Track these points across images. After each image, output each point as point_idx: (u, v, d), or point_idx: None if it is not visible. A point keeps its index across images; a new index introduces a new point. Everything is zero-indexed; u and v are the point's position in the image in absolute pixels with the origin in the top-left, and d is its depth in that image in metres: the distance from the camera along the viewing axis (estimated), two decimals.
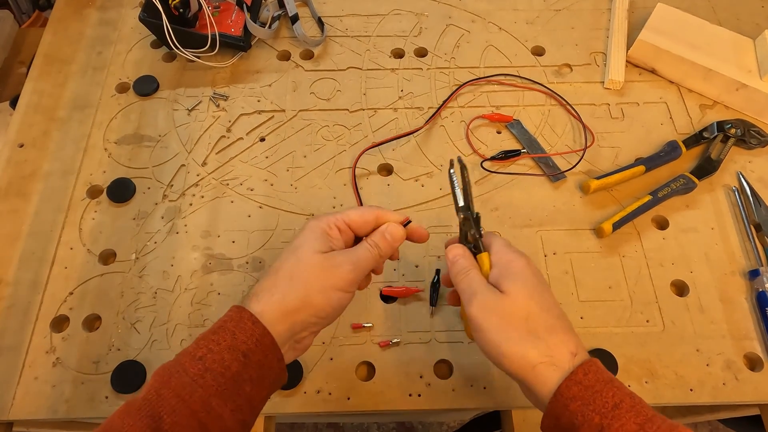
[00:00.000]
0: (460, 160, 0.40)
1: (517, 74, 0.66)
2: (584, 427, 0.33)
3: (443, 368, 0.49)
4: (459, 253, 0.41)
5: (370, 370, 0.49)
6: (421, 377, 0.48)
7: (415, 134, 0.62)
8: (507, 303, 0.37)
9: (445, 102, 0.63)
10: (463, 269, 0.40)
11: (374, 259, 0.40)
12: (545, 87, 0.64)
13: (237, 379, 0.35)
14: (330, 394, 0.48)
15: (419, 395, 0.48)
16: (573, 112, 0.62)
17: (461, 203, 0.41)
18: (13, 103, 0.66)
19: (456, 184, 0.41)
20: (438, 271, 0.53)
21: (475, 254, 0.41)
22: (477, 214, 0.41)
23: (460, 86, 0.64)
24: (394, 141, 0.61)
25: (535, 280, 0.39)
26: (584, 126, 0.61)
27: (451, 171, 0.41)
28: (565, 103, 0.63)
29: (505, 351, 0.36)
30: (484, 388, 0.48)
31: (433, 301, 0.51)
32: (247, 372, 0.35)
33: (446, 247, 0.42)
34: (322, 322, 0.39)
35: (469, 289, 0.39)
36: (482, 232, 0.41)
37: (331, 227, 0.40)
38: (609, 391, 0.34)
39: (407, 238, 0.42)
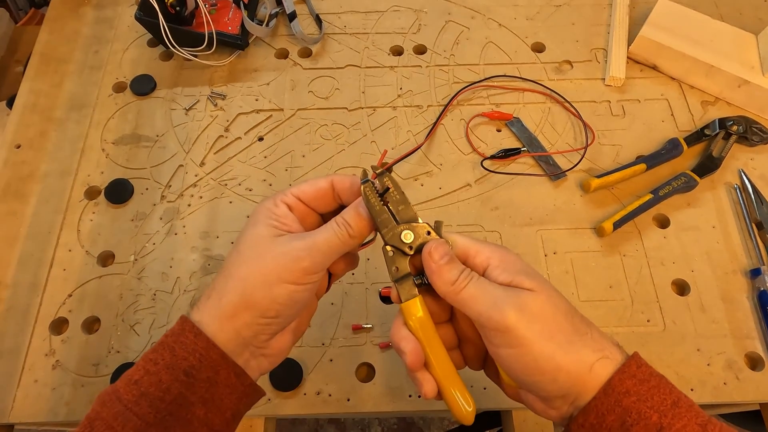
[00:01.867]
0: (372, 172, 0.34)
1: (518, 71, 0.65)
2: (638, 426, 0.28)
3: None
4: (447, 251, 0.32)
5: (369, 371, 0.49)
6: None
7: (418, 142, 0.61)
8: (543, 301, 0.30)
9: (444, 109, 0.63)
10: (461, 273, 0.31)
11: (341, 242, 0.32)
12: (544, 87, 0.64)
13: (181, 403, 0.29)
14: (330, 395, 0.48)
15: (419, 396, 0.48)
16: (573, 110, 0.62)
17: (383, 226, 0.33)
18: (10, 103, 0.66)
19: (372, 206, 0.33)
20: None
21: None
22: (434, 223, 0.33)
23: (458, 92, 0.63)
24: (393, 139, 0.61)
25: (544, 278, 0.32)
26: (585, 124, 0.61)
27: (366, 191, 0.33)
28: (564, 101, 0.63)
29: (561, 361, 0.29)
30: (485, 388, 0.48)
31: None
32: (194, 393, 0.30)
33: (423, 254, 0.32)
34: (274, 323, 0.32)
35: (487, 294, 0.30)
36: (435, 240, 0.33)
37: (276, 204, 0.33)
38: (666, 387, 0.29)
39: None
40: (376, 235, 0.35)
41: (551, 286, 0.31)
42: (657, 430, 0.28)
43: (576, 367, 0.29)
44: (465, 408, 0.31)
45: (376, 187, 0.33)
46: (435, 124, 0.61)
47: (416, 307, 0.32)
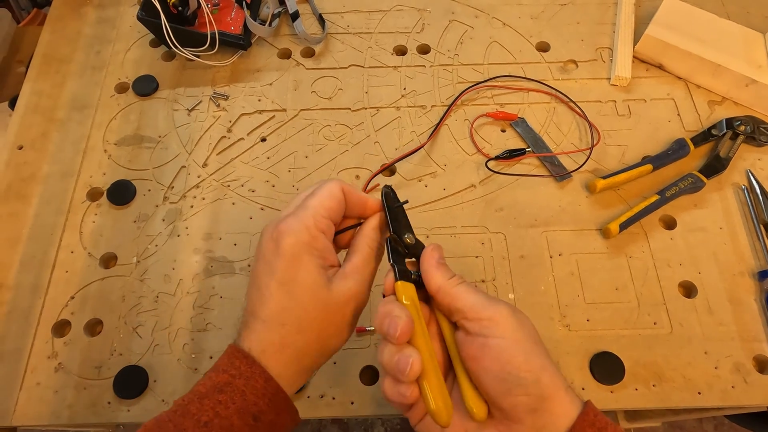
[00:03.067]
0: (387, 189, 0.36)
1: (522, 71, 0.64)
2: None
3: None
4: (441, 254, 0.35)
5: (373, 374, 0.49)
6: None
7: (423, 147, 0.61)
8: (520, 320, 0.32)
9: (448, 109, 0.62)
10: (454, 276, 0.33)
11: (377, 264, 0.35)
12: (549, 86, 0.63)
13: None
14: (333, 398, 0.47)
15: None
16: (578, 110, 0.61)
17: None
18: (12, 104, 0.66)
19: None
20: None
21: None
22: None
23: (463, 92, 0.63)
24: (397, 140, 0.60)
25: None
26: (590, 124, 0.60)
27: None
28: (569, 101, 0.62)
29: (547, 364, 0.30)
30: None
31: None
32: None
33: (422, 257, 0.35)
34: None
35: (479, 292, 0.32)
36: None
37: (315, 236, 0.32)
38: None
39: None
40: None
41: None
42: None
43: (556, 378, 0.30)
44: (436, 404, 0.30)
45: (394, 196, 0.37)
46: (439, 123, 0.61)
47: (411, 290, 0.33)
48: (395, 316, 0.30)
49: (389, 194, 0.36)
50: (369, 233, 0.35)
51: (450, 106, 0.62)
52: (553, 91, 0.63)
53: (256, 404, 0.30)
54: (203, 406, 0.30)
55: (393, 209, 0.36)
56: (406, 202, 0.36)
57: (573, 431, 0.30)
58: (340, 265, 0.34)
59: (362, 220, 0.37)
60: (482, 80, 0.63)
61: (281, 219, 0.33)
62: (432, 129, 0.61)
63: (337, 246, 0.36)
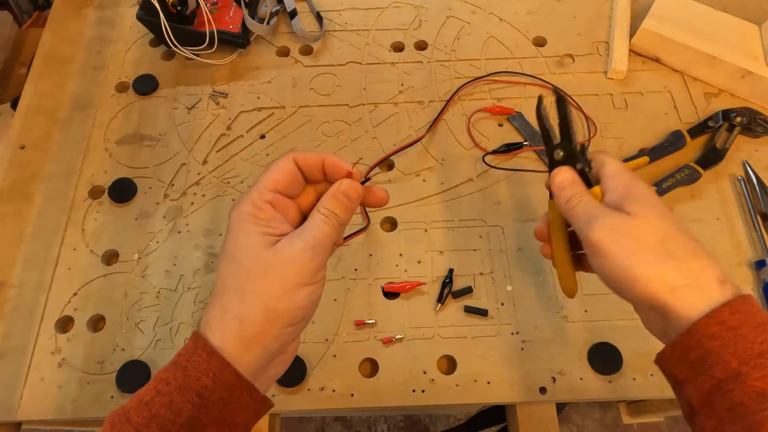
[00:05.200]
0: (557, 92, 0.38)
1: (519, 66, 0.65)
2: (716, 368, 0.29)
3: (447, 364, 0.49)
4: (567, 177, 0.37)
5: (373, 366, 0.49)
6: (424, 373, 0.48)
7: (420, 141, 0.61)
8: (637, 224, 0.33)
9: (445, 105, 0.63)
10: (575, 195, 0.36)
11: (335, 231, 0.33)
12: (544, 81, 0.64)
13: (193, 425, 0.29)
14: (334, 390, 0.48)
15: (423, 391, 0.48)
16: (574, 104, 0.62)
17: (556, 141, 0.38)
18: (14, 104, 0.66)
19: (546, 120, 0.38)
20: (451, 271, 0.52)
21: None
22: (583, 145, 0.37)
23: (459, 88, 0.63)
24: (395, 135, 0.61)
25: (663, 204, 0.34)
26: (586, 117, 0.61)
27: (541, 108, 0.39)
28: (565, 95, 0.62)
29: (638, 273, 0.31)
30: (488, 383, 0.48)
31: (441, 298, 0.51)
32: (207, 414, 0.29)
33: (551, 175, 0.38)
34: (299, 326, 0.33)
35: (586, 214, 0.34)
36: (591, 164, 0.37)
37: (259, 207, 0.32)
38: (758, 336, 0.29)
39: (362, 203, 0.36)
40: (368, 223, 0.37)
41: (660, 214, 0.33)
42: (734, 376, 0.29)
43: (655, 281, 0.31)
44: (569, 284, 0.40)
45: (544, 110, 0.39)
46: (437, 118, 0.61)
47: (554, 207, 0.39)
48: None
49: (559, 99, 0.38)
50: (323, 200, 0.34)
51: (447, 101, 0.62)
52: (549, 86, 0.63)
53: (198, 379, 0.29)
54: (148, 386, 0.30)
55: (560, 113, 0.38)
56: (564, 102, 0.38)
57: (692, 328, 0.30)
58: (288, 226, 0.34)
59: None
60: (479, 76, 0.64)
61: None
62: (429, 124, 0.61)
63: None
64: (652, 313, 0.33)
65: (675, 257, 0.32)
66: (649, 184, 0.55)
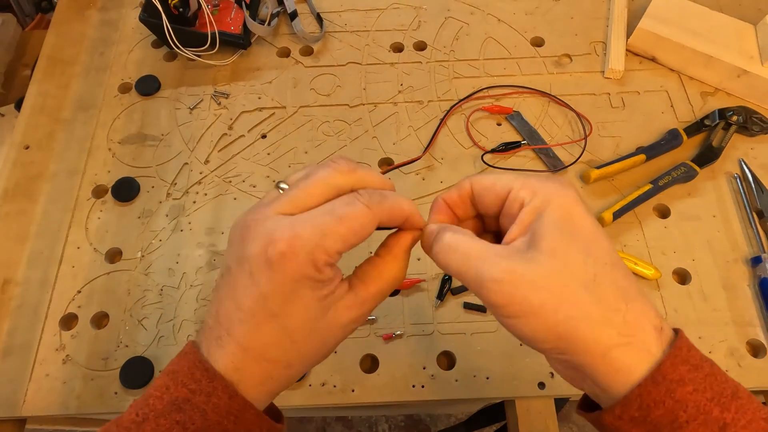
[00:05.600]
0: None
1: (517, 66, 0.65)
2: (696, 422, 0.24)
3: (446, 359, 0.50)
4: (438, 219, 0.30)
5: (374, 362, 0.50)
6: (424, 369, 0.49)
7: (416, 161, 0.62)
8: (553, 267, 0.25)
9: (441, 122, 0.63)
10: (449, 245, 0.28)
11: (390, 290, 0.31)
12: (535, 90, 0.64)
13: None
14: (335, 386, 0.48)
15: (423, 387, 0.48)
16: (563, 103, 0.62)
17: None
18: (18, 105, 0.67)
19: None
20: None
21: None
22: None
23: (452, 107, 0.64)
24: (394, 135, 0.61)
25: (588, 220, 0.26)
26: (579, 115, 0.61)
27: None
28: (557, 99, 0.63)
29: (565, 334, 0.25)
30: (487, 378, 0.49)
31: (441, 294, 0.52)
32: None
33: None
34: None
35: (474, 270, 0.26)
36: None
37: (320, 270, 0.26)
38: (720, 374, 0.25)
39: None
40: None
41: (594, 249, 0.26)
42: (720, 428, 0.23)
43: (584, 346, 0.25)
44: None
45: None
46: (434, 134, 0.62)
47: None
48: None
49: None
50: (401, 256, 0.30)
51: (443, 119, 0.63)
52: (545, 87, 0.64)
53: (219, 424, 0.26)
54: (159, 426, 0.26)
55: None
56: None
57: (657, 374, 0.24)
58: (341, 277, 0.29)
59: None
60: (473, 91, 0.64)
61: (279, 222, 0.26)
62: (428, 122, 0.62)
63: None
64: (581, 375, 0.27)
65: (606, 306, 0.25)
66: (646, 181, 0.56)
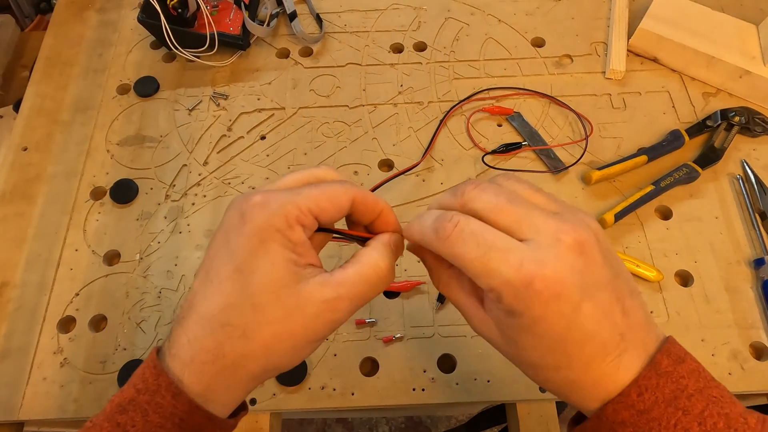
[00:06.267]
0: None
1: (518, 66, 0.65)
2: None
3: (447, 362, 0.50)
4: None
5: (373, 365, 0.49)
6: (424, 372, 0.49)
7: (414, 168, 0.61)
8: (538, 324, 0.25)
9: (440, 124, 0.63)
10: (473, 231, 0.25)
11: (381, 284, 0.28)
12: (535, 91, 0.64)
13: None
14: (334, 389, 0.48)
15: (423, 390, 0.48)
16: (562, 103, 0.62)
17: None
18: (17, 107, 0.67)
19: None
20: None
21: None
22: None
23: (451, 109, 0.63)
24: (394, 136, 0.61)
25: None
26: (579, 116, 0.61)
27: None
28: (556, 100, 0.63)
29: (591, 335, 0.25)
30: (488, 381, 0.48)
31: (441, 297, 0.51)
32: None
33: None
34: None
35: (497, 263, 0.25)
36: None
37: (291, 226, 0.25)
38: (672, 416, 0.24)
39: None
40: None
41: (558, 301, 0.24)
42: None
43: (602, 347, 0.25)
44: None
45: None
46: (434, 136, 0.61)
47: None
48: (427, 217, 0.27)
49: None
50: (380, 248, 0.28)
51: (443, 120, 0.62)
52: (546, 88, 0.63)
53: (162, 426, 0.25)
54: (102, 431, 0.25)
55: None
56: None
57: (601, 414, 0.25)
58: (321, 267, 0.28)
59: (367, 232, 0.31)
60: (471, 94, 0.64)
61: (259, 190, 0.27)
62: (428, 123, 0.61)
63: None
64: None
65: (591, 359, 0.25)
66: (647, 183, 0.55)
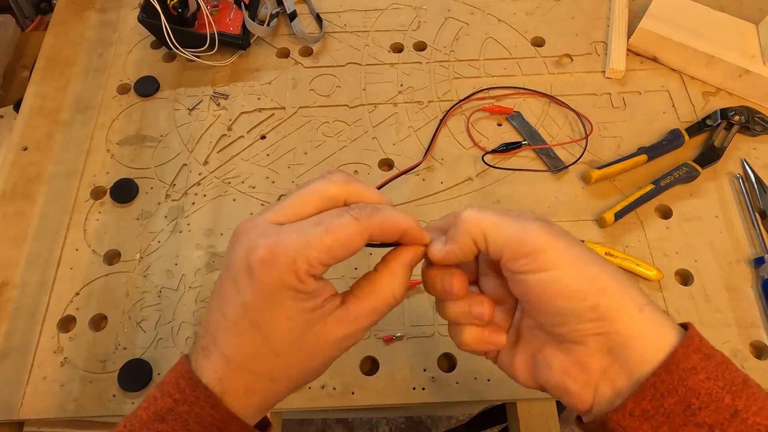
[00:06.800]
0: None
1: (518, 66, 0.65)
2: (708, 409, 0.23)
3: (447, 361, 0.50)
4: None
5: (374, 364, 0.49)
6: (424, 371, 0.49)
7: (415, 169, 0.61)
8: (563, 240, 0.26)
9: (440, 123, 0.63)
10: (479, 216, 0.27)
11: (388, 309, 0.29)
12: (534, 91, 0.64)
13: None
14: (334, 389, 0.48)
15: (423, 389, 0.48)
16: (562, 103, 0.62)
17: None
18: (17, 107, 0.67)
19: None
20: None
21: None
22: None
23: (451, 108, 0.63)
24: (394, 135, 0.61)
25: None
26: (578, 114, 0.61)
27: None
28: (556, 99, 0.63)
29: (607, 284, 0.26)
30: (488, 380, 0.48)
31: None
32: None
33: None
34: None
35: (509, 221, 0.27)
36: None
37: (303, 280, 0.25)
38: (730, 363, 0.25)
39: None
40: None
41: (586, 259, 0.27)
42: (731, 414, 0.23)
43: (621, 297, 0.25)
44: None
45: None
46: (434, 135, 0.62)
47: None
48: (447, 274, 0.29)
49: None
50: (399, 272, 0.29)
51: (443, 119, 0.62)
52: (546, 87, 0.63)
53: None
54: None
55: None
56: None
57: (671, 363, 0.24)
58: (334, 293, 0.28)
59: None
60: (471, 93, 0.64)
61: (263, 234, 0.26)
62: (428, 123, 0.61)
63: None
64: (598, 355, 0.26)
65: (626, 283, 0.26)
66: (647, 182, 0.56)
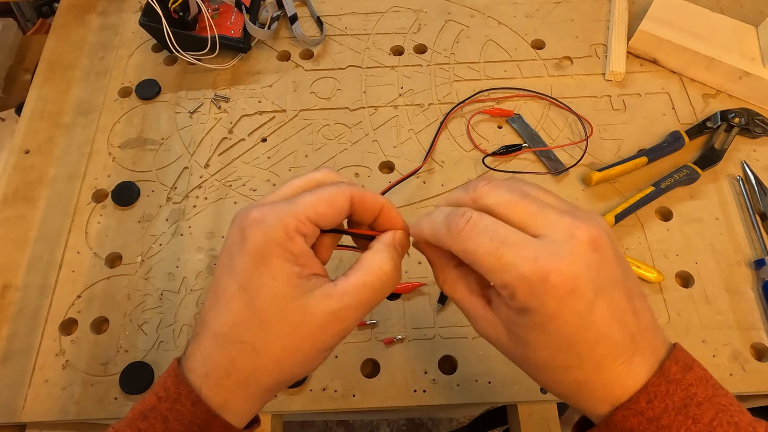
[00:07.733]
0: None
1: (518, 68, 0.65)
2: None
3: (448, 364, 0.50)
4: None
5: (374, 367, 0.49)
6: (425, 373, 0.49)
7: (416, 174, 0.62)
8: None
9: (441, 126, 0.63)
10: (486, 226, 0.25)
11: (386, 290, 0.28)
12: (535, 92, 0.64)
13: None
14: (335, 391, 0.48)
15: (424, 391, 0.48)
16: (562, 105, 0.62)
17: None
18: (19, 110, 0.67)
19: None
20: None
21: None
22: None
23: (452, 110, 0.64)
24: (395, 138, 0.61)
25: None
26: (579, 117, 0.61)
27: None
28: (556, 101, 0.63)
29: (603, 333, 0.25)
30: (489, 382, 0.48)
31: (442, 299, 0.51)
32: None
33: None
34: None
35: (510, 257, 0.25)
36: None
37: (291, 237, 0.26)
38: (681, 425, 0.24)
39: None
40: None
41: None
42: None
43: (613, 359, 0.25)
44: None
45: None
46: (435, 138, 0.62)
47: None
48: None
49: None
50: (383, 249, 0.28)
51: (443, 122, 0.63)
52: (546, 89, 0.64)
53: None
54: None
55: None
56: None
57: (610, 422, 0.25)
58: (325, 275, 0.28)
59: (370, 230, 0.30)
60: (474, 94, 0.64)
61: (257, 204, 0.27)
62: (428, 125, 0.62)
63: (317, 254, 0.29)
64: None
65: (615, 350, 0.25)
66: (648, 184, 0.56)
